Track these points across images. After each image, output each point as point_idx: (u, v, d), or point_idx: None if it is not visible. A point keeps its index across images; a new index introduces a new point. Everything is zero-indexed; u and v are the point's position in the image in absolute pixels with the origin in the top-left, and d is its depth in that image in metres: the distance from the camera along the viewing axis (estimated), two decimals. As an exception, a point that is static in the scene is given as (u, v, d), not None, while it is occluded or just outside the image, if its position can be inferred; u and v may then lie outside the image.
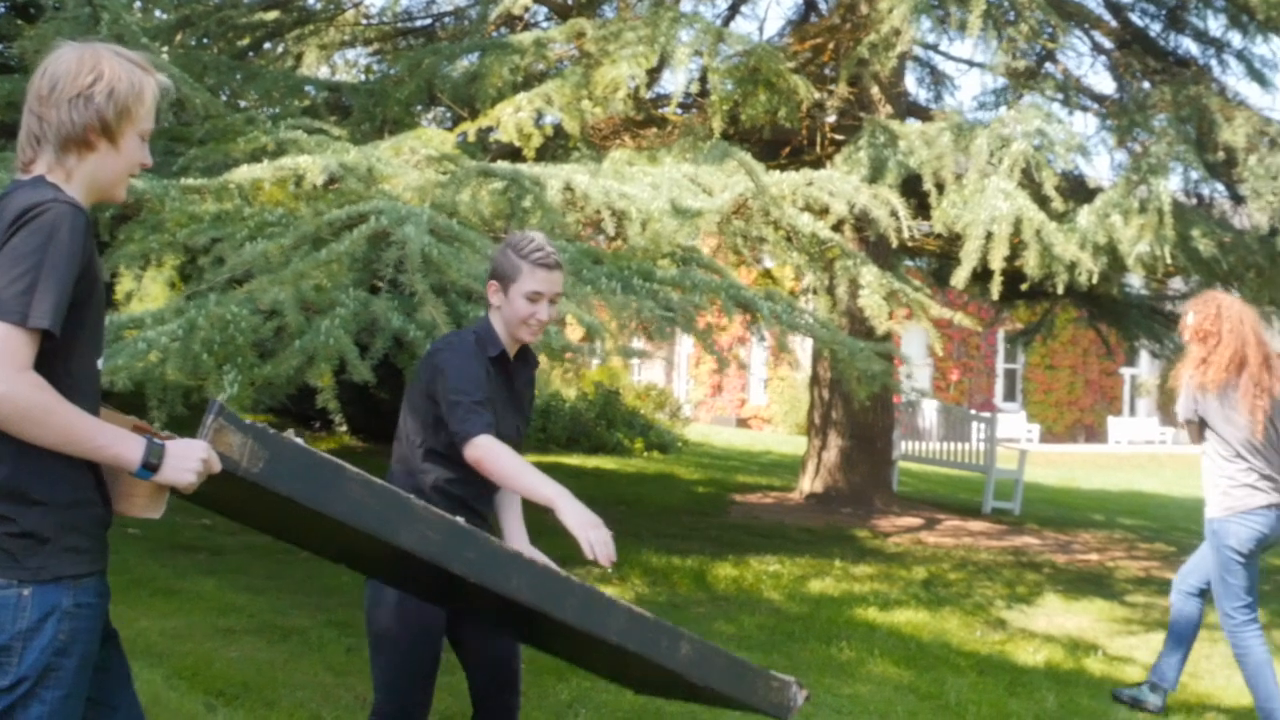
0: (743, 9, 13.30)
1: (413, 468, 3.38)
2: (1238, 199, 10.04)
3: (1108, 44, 11.64)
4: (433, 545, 2.59)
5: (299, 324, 5.02)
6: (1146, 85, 10.56)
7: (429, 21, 13.29)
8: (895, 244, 8.41)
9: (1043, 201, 8.14)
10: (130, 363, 4.97)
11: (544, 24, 12.08)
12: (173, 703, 4.64)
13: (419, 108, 10.43)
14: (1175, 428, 31.57)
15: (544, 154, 8.48)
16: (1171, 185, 9.29)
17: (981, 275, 8.29)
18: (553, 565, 2.89)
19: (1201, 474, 5.64)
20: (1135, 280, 12.12)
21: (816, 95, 9.44)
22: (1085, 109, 10.91)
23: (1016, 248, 8.11)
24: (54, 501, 2.28)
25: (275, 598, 6.71)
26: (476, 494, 3.42)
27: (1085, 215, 8.35)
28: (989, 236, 7.93)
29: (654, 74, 9.98)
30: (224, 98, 9.63)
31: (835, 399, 12.25)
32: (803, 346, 18.99)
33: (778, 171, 8.14)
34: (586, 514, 3.07)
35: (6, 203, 2.28)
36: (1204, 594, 5.83)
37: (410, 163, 7.05)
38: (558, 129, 8.66)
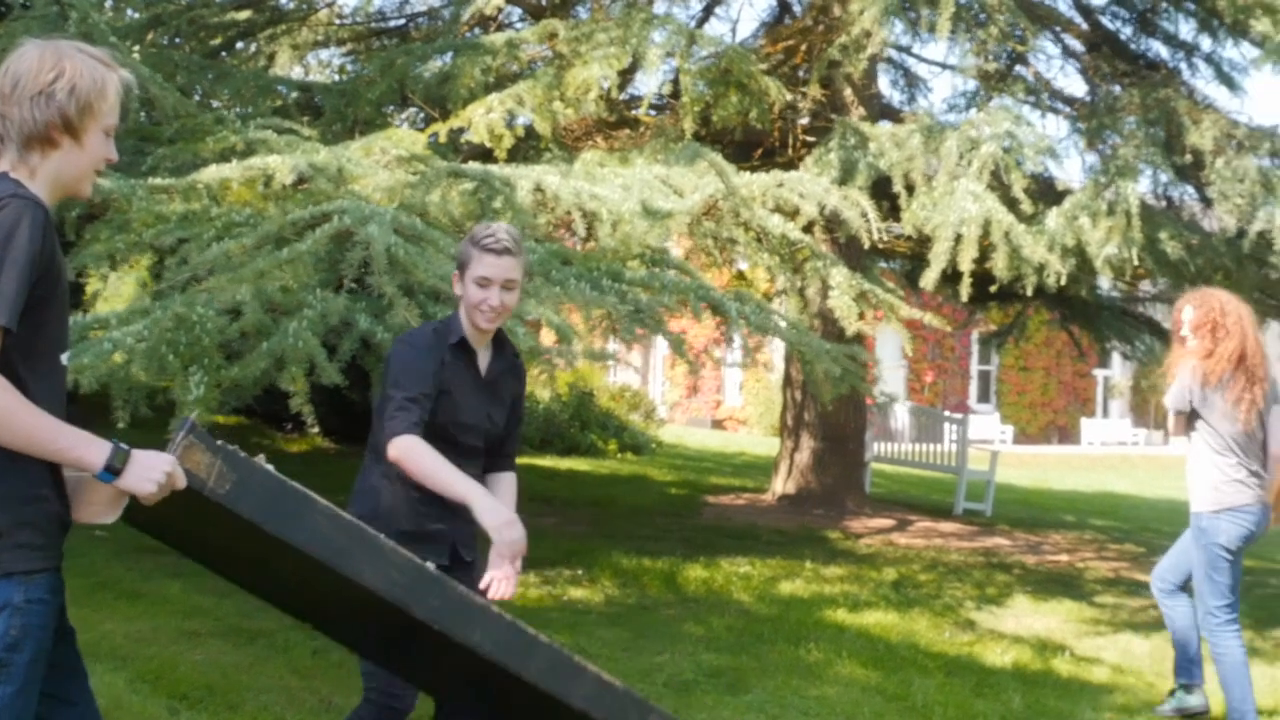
0: (716, 10, 13.31)
1: (382, 455, 3.40)
2: (1207, 202, 10.10)
3: (1079, 47, 11.69)
4: (396, 587, 2.52)
5: (260, 322, 5.00)
6: (1117, 88, 10.61)
7: (403, 22, 13.24)
8: (867, 245, 8.43)
9: (1012, 204, 8.16)
10: (95, 363, 4.94)
11: (518, 25, 12.05)
12: (135, 706, 4.61)
13: (391, 108, 10.40)
14: (1148, 429, 31.79)
15: (516, 155, 8.46)
16: (1141, 188, 9.33)
17: (951, 277, 8.32)
18: (520, 622, 2.80)
19: (1188, 469, 5.63)
20: (1107, 282, 12.17)
21: (789, 97, 9.45)
22: (1056, 111, 10.95)
23: (986, 250, 8.14)
24: (6, 497, 2.27)
25: (241, 601, 6.65)
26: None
27: (1054, 217, 8.39)
28: (958, 238, 7.95)
29: (627, 75, 9.97)
30: (196, 97, 9.58)
31: (808, 401, 12.26)
32: (776, 348, 19.03)
33: (749, 173, 8.15)
34: (502, 513, 3.15)
35: None
36: (1184, 588, 5.83)
37: (380, 163, 7.03)
38: (529, 130, 8.65)
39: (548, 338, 6.44)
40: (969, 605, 8.27)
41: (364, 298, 5.38)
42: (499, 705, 3.21)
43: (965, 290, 8.18)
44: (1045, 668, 6.68)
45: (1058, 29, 11.55)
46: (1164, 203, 11.01)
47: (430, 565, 2.61)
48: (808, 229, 8.09)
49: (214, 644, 5.70)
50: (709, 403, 30.57)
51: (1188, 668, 5.83)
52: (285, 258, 5.10)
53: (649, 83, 9.57)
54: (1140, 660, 7.08)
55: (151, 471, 2.27)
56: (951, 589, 8.79)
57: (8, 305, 2.18)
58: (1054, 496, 17.30)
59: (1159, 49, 11.48)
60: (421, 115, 10.64)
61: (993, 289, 9.08)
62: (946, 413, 16.57)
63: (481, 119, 8.18)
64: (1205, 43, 10.93)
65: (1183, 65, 11.19)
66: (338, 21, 13.15)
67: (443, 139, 8.43)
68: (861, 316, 7.85)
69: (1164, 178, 10.18)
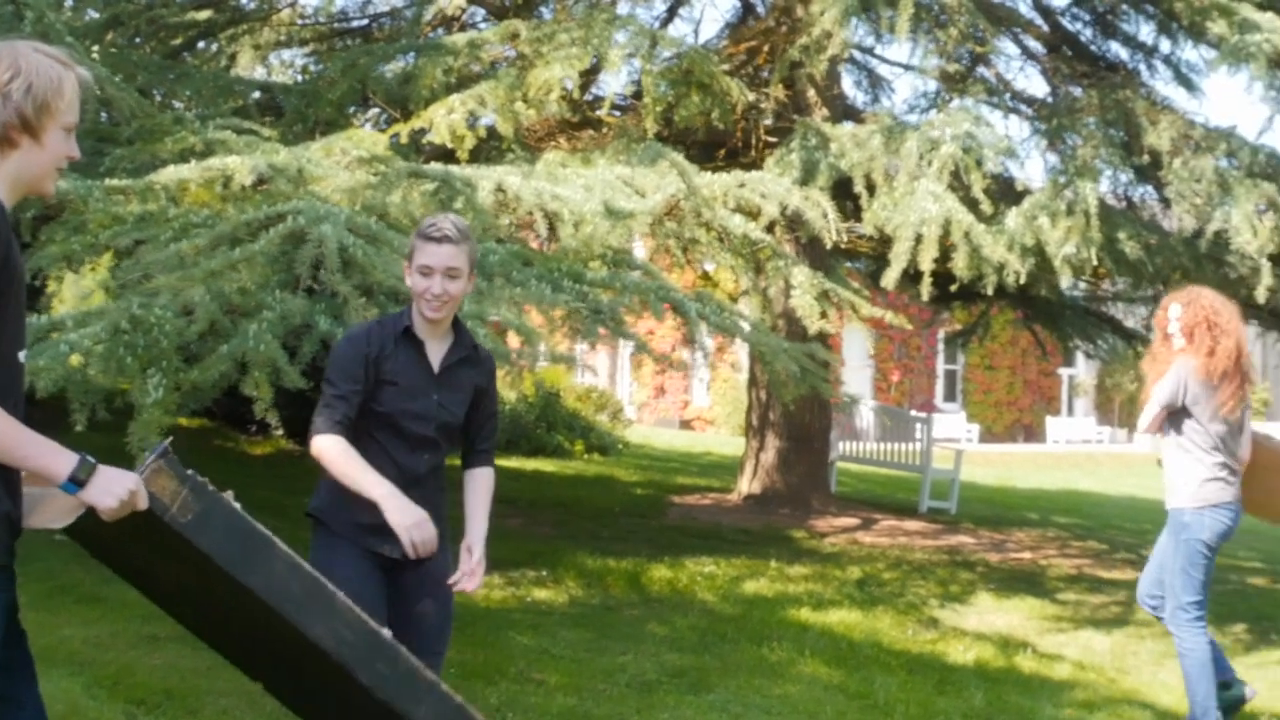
0: (680, 12, 13.32)
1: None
2: (1166, 202, 10.18)
3: (1039, 48, 11.77)
4: (344, 646, 2.47)
5: (213, 317, 4.96)
6: (1077, 90, 10.68)
7: (365, 22, 13.18)
8: (829, 246, 8.46)
9: (972, 204, 8.20)
10: (52, 365, 4.89)
11: (481, 25, 12.03)
12: (92, 712, 4.57)
13: (353, 109, 10.36)
14: (1112, 427, 32.03)
15: (478, 156, 8.44)
16: (1102, 188, 9.39)
17: (913, 276, 8.35)
18: (470, 706, 2.71)
19: (1167, 466, 5.61)
20: (1070, 281, 12.26)
21: (751, 97, 9.47)
22: (1017, 112, 11.01)
23: (947, 249, 8.18)
24: None
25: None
26: (420, 469, 3.47)
27: (1013, 217, 8.44)
28: (918, 238, 7.99)
29: (590, 76, 9.97)
30: (157, 98, 9.51)
31: (773, 400, 12.29)
32: (744, 348, 19.06)
33: (712, 173, 8.16)
34: (411, 513, 3.20)
35: None
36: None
37: (341, 164, 6.98)
38: (491, 131, 8.63)
39: (514, 340, 6.43)
40: (932, 603, 8.31)
41: (324, 299, 5.35)
42: None
43: (926, 289, 8.21)
44: (1007, 665, 6.72)
45: (1018, 30, 11.62)
46: (1124, 203, 11.10)
47: (385, 632, 2.56)
48: (769, 229, 8.10)
49: (173, 649, 5.65)
50: (677, 403, 30.59)
51: (1217, 664, 5.72)
52: (237, 257, 5.07)
53: (611, 83, 9.59)
54: (1101, 657, 7.14)
55: (115, 487, 2.26)
56: (915, 587, 8.83)
57: None
58: (1018, 495, 17.40)
59: (1118, 50, 11.58)
60: (383, 116, 10.61)
61: (954, 288, 9.13)
62: (912, 412, 16.64)
63: (443, 119, 8.16)
64: (1164, 44, 11.04)
65: (1142, 66, 11.28)
66: (300, 21, 13.07)
67: (404, 140, 8.40)
68: (824, 316, 7.88)
69: (1124, 178, 10.28)
